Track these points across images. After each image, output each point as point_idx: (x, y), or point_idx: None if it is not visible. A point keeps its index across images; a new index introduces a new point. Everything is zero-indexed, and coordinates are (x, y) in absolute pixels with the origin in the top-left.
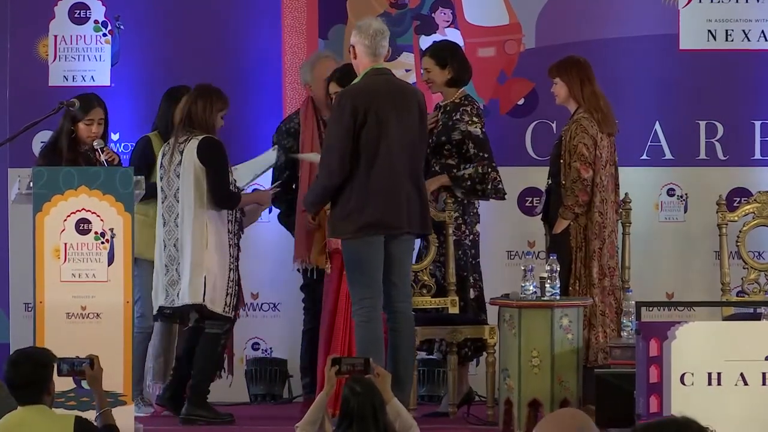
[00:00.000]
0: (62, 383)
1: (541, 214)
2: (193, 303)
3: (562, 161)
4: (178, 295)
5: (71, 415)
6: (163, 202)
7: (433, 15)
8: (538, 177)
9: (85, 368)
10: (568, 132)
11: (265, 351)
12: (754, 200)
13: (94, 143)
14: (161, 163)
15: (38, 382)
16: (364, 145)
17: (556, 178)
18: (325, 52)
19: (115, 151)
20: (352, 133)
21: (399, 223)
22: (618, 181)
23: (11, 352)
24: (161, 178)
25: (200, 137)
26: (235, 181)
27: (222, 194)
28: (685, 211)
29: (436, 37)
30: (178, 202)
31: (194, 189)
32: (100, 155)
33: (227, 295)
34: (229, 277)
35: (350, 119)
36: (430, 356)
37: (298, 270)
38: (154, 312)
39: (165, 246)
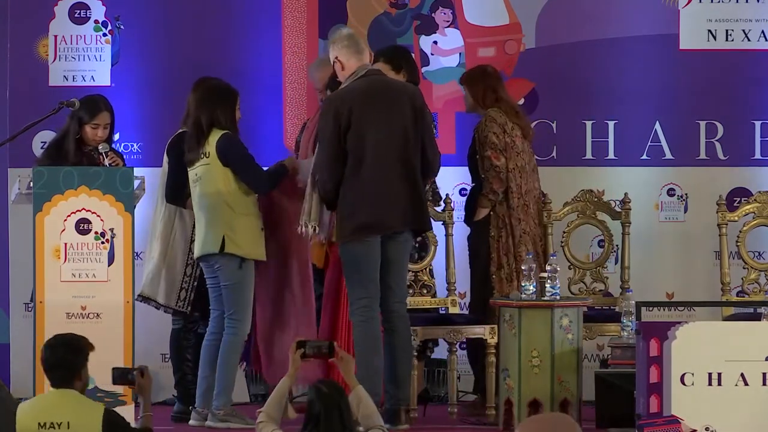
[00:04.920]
0: None
1: (464, 217)
2: (139, 293)
3: (478, 156)
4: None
5: (101, 404)
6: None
7: (433, 15)
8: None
9: (137, 377)
10: (478, 128)
11: None
12: (754, 200)
13: (99, 147)
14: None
15: (71, 366)
16: (350, 147)
17: (477, 175)
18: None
19: (120, 153)
20: (338, 137)
21: (392, 222)
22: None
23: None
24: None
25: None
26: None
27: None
28: (685, 211)
29: (436, 37)
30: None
31: (158, 183)
32: (104, 159)
33: (181, 289)
34: (185, 272)
35: (334, 124)
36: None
37: None
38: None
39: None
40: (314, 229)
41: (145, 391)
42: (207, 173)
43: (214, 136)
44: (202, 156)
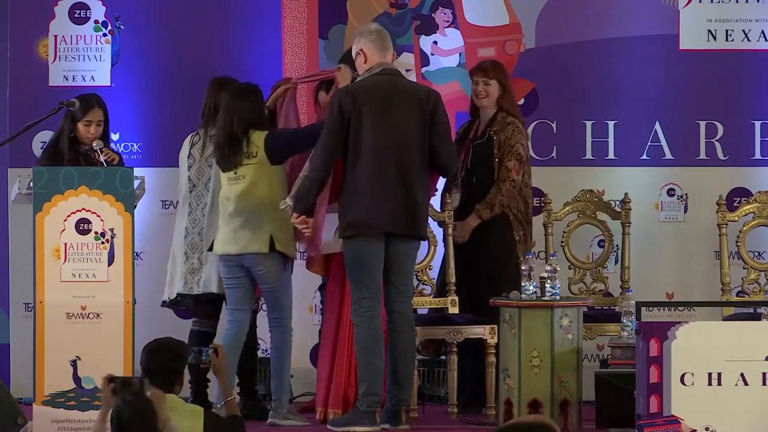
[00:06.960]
0: (63, 383)
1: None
2: (218, 292)
3: (497, 161)
4: (198, 283)
5: (199, 408)
6: (191, 191)
7: (433, 15)
8: (539, 177)
9: (212, 357)
10: (501, 132)
11: (266, 351)
12: (754, 200)
13: (94, 144)
14: (191, 152)
15: (172, 372)
16: (350, 144)
17: (482, 176)
18: None
19: (116, 150)
20: (339, 131)
21: (379, 223)
22: None
23: (149, 343)
24: (190, 168)
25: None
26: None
27: None
28: (685, 211)
29: (436, 37)
30: (208, 191)
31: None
32: (99, 156)
33: None
34: None
35: (337, 118)
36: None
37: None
38: (168, 299)
39: (187, 234)
40: (288, 206)
41: (222, 372)
42: (254, 172)
43: (258, 137)
44: (247, 156)
